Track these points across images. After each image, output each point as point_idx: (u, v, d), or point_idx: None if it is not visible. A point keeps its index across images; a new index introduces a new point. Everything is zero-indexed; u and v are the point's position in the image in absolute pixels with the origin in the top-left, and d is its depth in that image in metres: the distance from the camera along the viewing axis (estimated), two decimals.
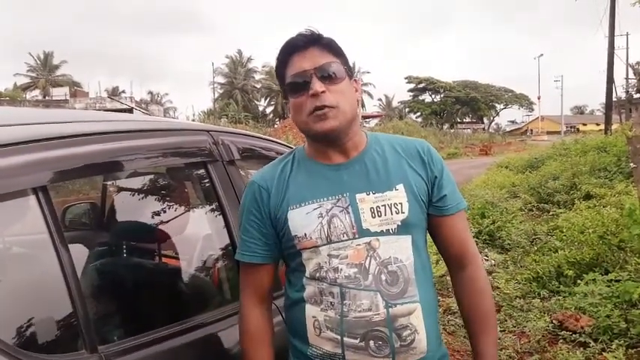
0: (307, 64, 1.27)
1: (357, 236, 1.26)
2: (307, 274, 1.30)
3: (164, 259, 1.93)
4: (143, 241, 1.83)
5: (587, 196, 8.10)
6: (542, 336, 3.71)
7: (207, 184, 1.65)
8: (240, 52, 69.89)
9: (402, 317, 1.25)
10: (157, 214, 1.69)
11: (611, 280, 4.25)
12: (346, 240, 1.26)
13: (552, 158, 13.14)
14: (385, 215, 1.27)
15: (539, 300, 4.40)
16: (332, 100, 1.26)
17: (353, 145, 1.33)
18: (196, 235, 1.88)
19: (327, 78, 1.27)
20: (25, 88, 58.15)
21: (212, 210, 1.72)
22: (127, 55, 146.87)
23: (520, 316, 4.14)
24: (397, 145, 1.37)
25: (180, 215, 1.76)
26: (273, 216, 1.33)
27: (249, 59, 70.38)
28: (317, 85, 1.25)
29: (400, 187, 1.30)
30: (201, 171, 1.66)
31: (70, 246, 1.19)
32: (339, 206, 1.28)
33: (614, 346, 3.36)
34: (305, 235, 1.28)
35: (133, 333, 1.27)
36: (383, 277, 1.25)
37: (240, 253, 1.37)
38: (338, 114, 1.26)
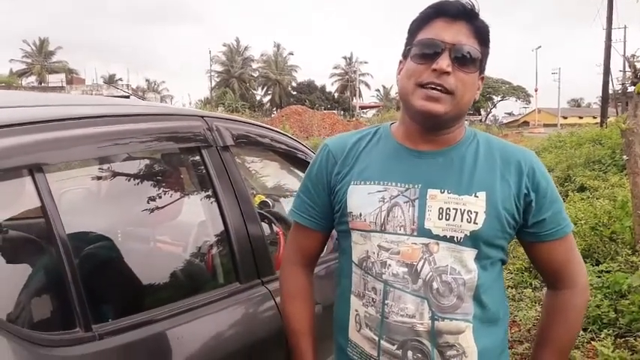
0: (448, 36, 1.12)
1: (415, 234, 1.14)
2: (355, 259, 1.21)
3: (158, 243, 1.96)
4: (138, 225, 1.85)
5: (582, 188, 8.15)
6: (533, 325, 3.75)
7: (201, 170, 1.66)
8: (237, 41, 69.64)
9: (448, 334, 1.13)
10: (151, 198, 1.71)
11: (602, 270, 4.29)
12: (402, 234, 1.14)
13: (548, 150, 13.17)
14: (454, 220, 1.12)
15: (530, 290, 4.44)
16: (452, 84, 1.11)
17: (447, 138, 1.19)
18: (190, 219, 1.90)
19: (460, 61, 1.11)
20: (21, 74, 57.89)
21: (206, 195, 1.73)
22: (124, 43, 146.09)
23: (512, 305, 4.18)
24: (497, 149, 1.20)
25: (174, 200, 1.77)
26: (332, 185, 1.26)
27: (247, 48, 70.10)
28: (445, 63, 1.10)
29: (482, 195, 1.14)
30: (195, 156, 1.67)
31: (65, 228, 1.20)
32: (405, 196, 1.15)
33: (602, 336, 3.40)
34: (360, 214, 1.18)
35: (126, 313, 1.29)
36: (435, 285, 1.12)
37: (294, 210, 1.34)
38: (450, 102, 1.11)
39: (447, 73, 1.10)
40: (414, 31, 1.19)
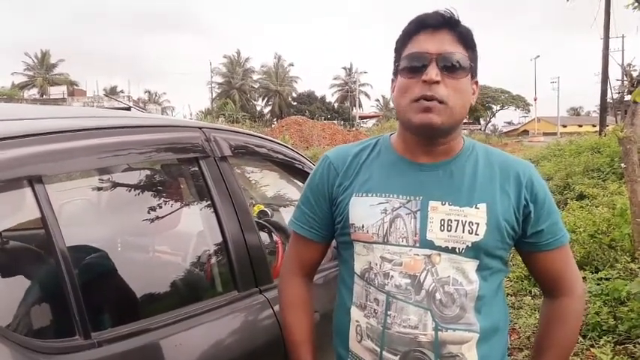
0: (432, 47, 1.12)
1: (417, 245, 1.15)
2: (357, 270, 1.22)
3: (157, 253, 1.98)
4: (137, 235, 1.87)
5: (581, 196, 8.14)
6: (533, 332, 3.75)
7: (200, 180, 1.68)
8: (238, 52, 69.97)
9: (451, 344, 1.13)
10: (150, 208, 1.73)
11: (601, 278, 4.30)
12: (404, 246, 1.15)
13: (547, 159, 13.17)
14: (455, 232, 1.14)
15: (530, 297, 4.44)
16: (444, 94, 1.11)
17: (446, 149, 1.21)
18: (188, 229, 1.92)
19: (448, 69, 1.12)
20: (23, 86, 58.17)
21: (204, 205, 1.75)
22: (125, 55, 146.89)
23: (511, 313, 4.19)
24: (495, 160, 1.22)
25: (172, 210, 1.79)
26: (334, 197, 1.26)
27: (247, 59, 70.44)
28: (433, 73, 1.11)
29: (482, 206, 1.15)
30: (194, 167, 1.69)
31: (65, 238, 1.22)
32: (407, 208, 1.16)
33: (602, 343, 3.41)
34: (362, 226, 1.19)
35: (125, 321, 1.31)
36: (438, 295, 1.13)
37: (294, 221, 1.34)
38: (445, 111, 1.12)
39: (437, 82, 1.11)
40: (399, 48, 1.20)
